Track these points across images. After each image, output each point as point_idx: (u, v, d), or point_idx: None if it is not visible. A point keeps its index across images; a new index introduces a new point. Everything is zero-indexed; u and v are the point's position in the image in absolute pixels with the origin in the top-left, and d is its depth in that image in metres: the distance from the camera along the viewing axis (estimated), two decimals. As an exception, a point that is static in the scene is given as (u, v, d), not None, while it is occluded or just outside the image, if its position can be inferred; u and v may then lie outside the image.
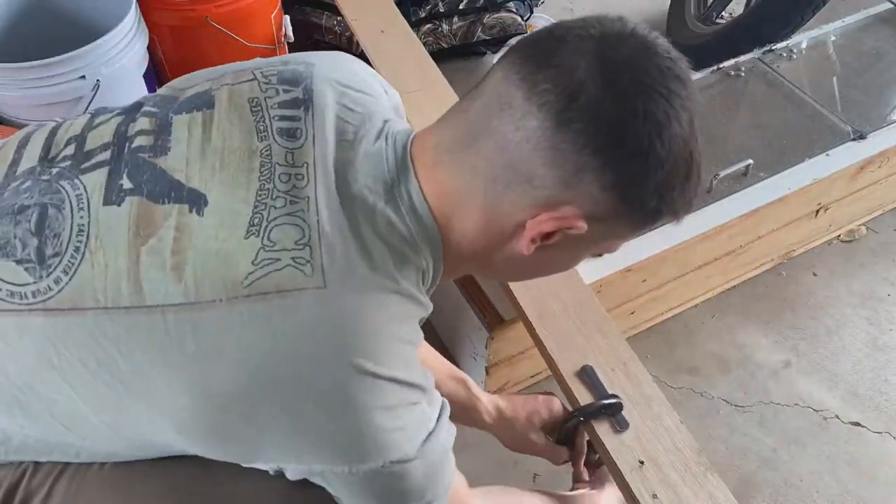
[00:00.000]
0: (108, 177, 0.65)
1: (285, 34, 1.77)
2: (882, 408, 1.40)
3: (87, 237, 0.62)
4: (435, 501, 0.68)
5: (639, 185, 0.62)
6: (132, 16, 1.46)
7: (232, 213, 0.62)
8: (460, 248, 0.68)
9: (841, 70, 1.68)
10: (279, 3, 1.75)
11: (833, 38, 1.77)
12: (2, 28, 1.54)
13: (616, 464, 0.92)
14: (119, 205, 0.63)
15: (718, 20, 2.11)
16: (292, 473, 0.65)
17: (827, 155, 1.45)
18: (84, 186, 0.65)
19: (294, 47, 1.88)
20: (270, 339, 0.59)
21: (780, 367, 1.46)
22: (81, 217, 0.63)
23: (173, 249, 0.61)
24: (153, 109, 0.70)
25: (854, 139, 1.48)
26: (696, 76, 1.63)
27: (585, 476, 1.02)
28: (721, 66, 1.64)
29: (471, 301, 1.23)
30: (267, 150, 0.65)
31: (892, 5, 1.85)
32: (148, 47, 1.54)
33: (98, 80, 1.39)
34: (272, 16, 1.72)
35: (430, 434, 0.65)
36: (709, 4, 2.14)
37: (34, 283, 0.62)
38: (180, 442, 0.65)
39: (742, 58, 1.67)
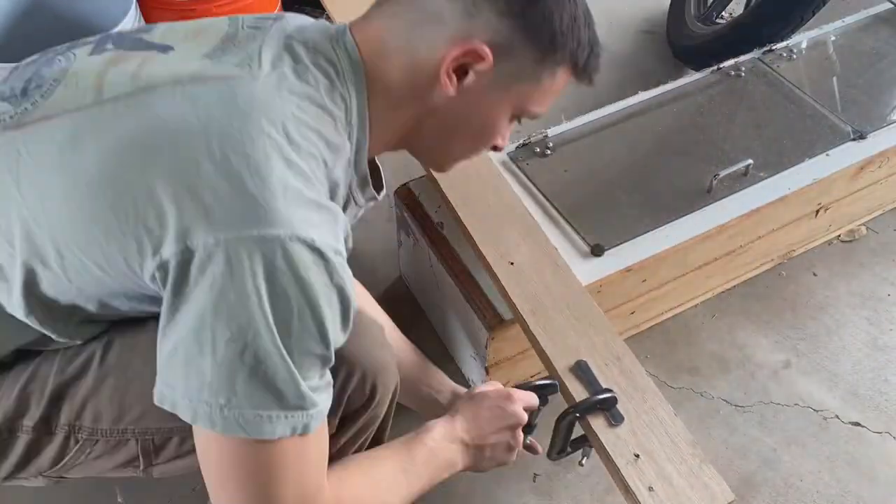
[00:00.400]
0: (94, 45, 0.77)
1: (285, 34, 1.77)
2: (882, 408, 1.40)
3: (67, 73, 0.73)
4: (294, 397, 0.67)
5: (530, 7, 0.74)
6: (132, 16, 1.46)
7: (190, 52, 0.74)
8: (388, 92, 0.76)
9: (841, 70, 1.68)
10: (279, 3, 1.75)
11: (833, 38, 1.77)
12: (2, 28, 1.54)
13: (612, 457, 0.92)
14: (100, 55, 0.75)
15: (718, 20, 2.11)
16: (168, 262, 0.64)
17: (827, 155, 1.45)
18: (75, 54, 0.76)
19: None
20: (208, 99, 0.67)
21: (780, 367, 1.46)
22: (68, 63, 0.74)
23: (137, 66, 0.71)
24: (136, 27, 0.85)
25: (854, 139, 1.48)
26: (696, 76, 1.63)
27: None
28: (721, 66, 1.64)
29: (471, 301, 1.23)
30: (233, 32, 0.77)
31: (892, 5, 1.85)
32: (148, 47, 1.54)
33: (98, 80, 1.39)
34: (272, 16, 1.72)
35: (338, 266, 0.67)
36: (709, 4, 2.14)
37: (13, 108, 0.71)
38: (83, 238, 0.67)
39: (742, 58, 1.67)
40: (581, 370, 1.01)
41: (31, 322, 0.73)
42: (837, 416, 1.39)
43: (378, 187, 0.85)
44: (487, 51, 0.73)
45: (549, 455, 1.03)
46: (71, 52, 0.77)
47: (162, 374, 0.67)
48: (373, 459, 0.87)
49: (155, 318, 0.69)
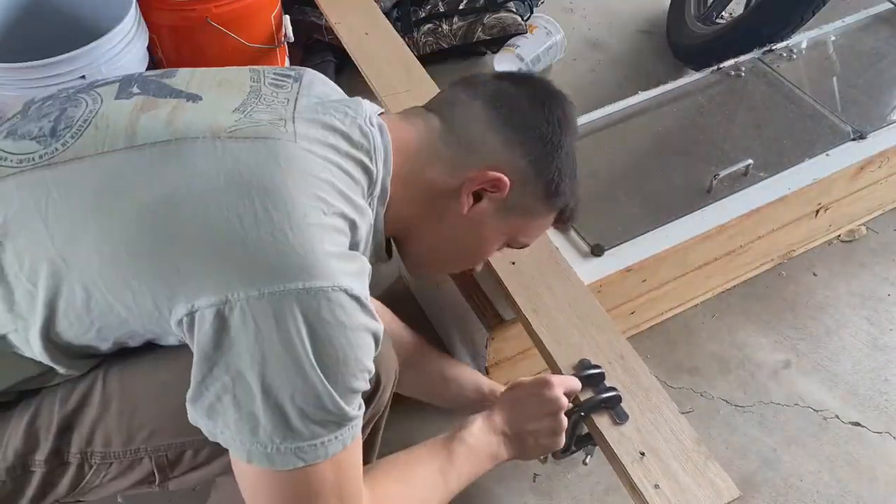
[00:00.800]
0: (119, 86, 0.79)
1: (285, 34, 1.77)
2: (882, 408, 1.40)
3: (97, 115, 0.74)
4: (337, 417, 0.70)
5: (546, 160, 0.86)
6: (132, 16, 1.46)
7: (222, 103, 0.76)
8: (408, 185, 0.83)
9: (841, 70, 1.68)
10: (279, 3, 1.75)
11: (833, 38, 1.77)
12: (2, 28, 1.54)
13: (617, 456, 0.93)
14: (128, 99, 0.76)
15: (718, 20, 2.11)
16: (202, 312, 0.66)
17: (827, 155, 1.45)
18: (100, 95, 0.78)
19: (294, 47, 1.88)
20: (249, 157, 0.69)
21: (780, 367, 1.46)
22: (95, 106, 0.75)
23: (169, 114, 0.73)
24: (157, 71, 0.86)
25: (854, 139, 1.48)
26: (696, 76, 1.63)
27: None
28: (721, 66, 1.64)
29: (471, 301, 1.23)
30: (257, 88, 0.80)
31: (892, 5, 1.85)
32: (148, 47, 1.55)
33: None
34: (272, 16, 1.73)
35: (371, 310, 0.72)
36: (709, 4, 2.14)
37: (44, 148, 0.72)
38: (114, 280, 0.68)
39: (742, 58, 1.67)
40: (584, 369, 1.01)
41: (43, 358, 0.73)
42: (837, 416, 1.39)
43: (388, 252, 0.92)
44: (507, 181, 0.84)
45: (553, 454, 1.04)
46: (95, 93, 0.78)
47: (205, 419, 0.69)
48: (409, 461, 0.89)
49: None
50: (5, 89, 1.36)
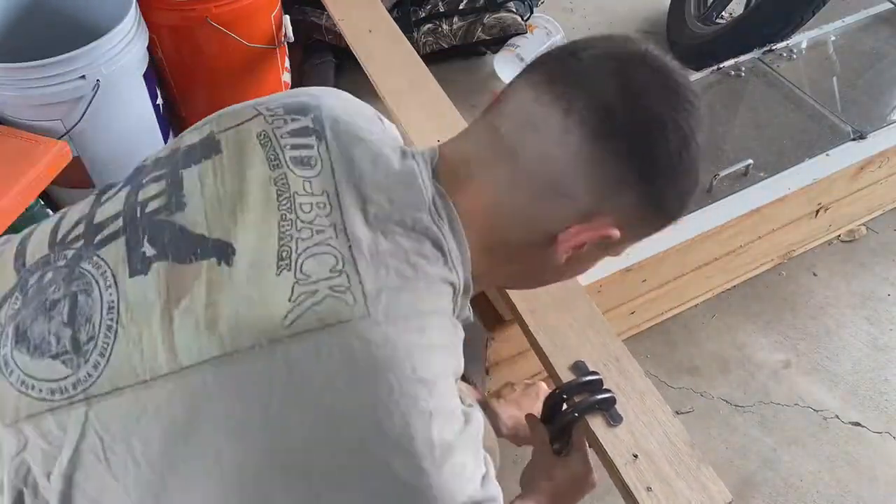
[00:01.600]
0: (126, 247, 0.63)
1: (285, 34, 1.77)
2: (882, 408, 1.40)
3: (118, 313, 0.60)
4: None
5: (668, 194, 0.67)
6: (132, 16, 1.46)
7: (260, 252, 0.59)
8: (496, 265, 0.70)
9: (841, 70, 1.68)
10: (279, 3, 1.75)
11: (833, 38, 1.77)
12: (2, 28, 1.54)
13: (610, 457, 0.93)
14: (146, 273, 0.61)
15: (718, 20, 2.11)
16: None
17: (827, 155, 1.45)
18: (106, 262, 0.63)
19: (294, 47, 1.88)
20: (322, 376, 0.56)
21: (780, 367, 1.46)
22: (110, 294, 0.61)
23: (206, 304, 0.58)
24: (159, 172, 0.68)
25: (854, 139, 1.48)
26: (696, 76, 1.63)
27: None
28: (721, 66, 1.64)
29: (471, 301, 1.23)
30: (282, 179, 0.63)
31: (892, 5, 1.85)
32: (148, 47, 1.54)
33: (98, 80, 1.39)
34: (272, 16, 1.72)
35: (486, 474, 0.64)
36: (709, 4, 2.14)
37: (73, 374, 0.59)
38: None
39: (742, 58, 1.67)
40: (579, 370, 1.01)
41: None
42: (837, 416, 1.39)
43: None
44: (617, 233, 0.66)
45: None
46: (100, 260, 0.63)
47: None
48: None
49: None
50: (5, 89, 1.36)
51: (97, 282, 0.62)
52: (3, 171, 1.30)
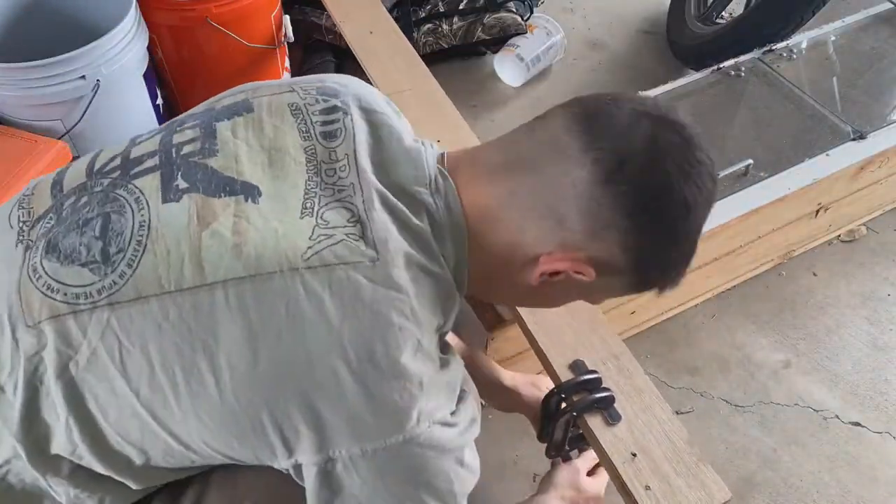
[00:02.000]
0: (161, 179, 0.69)
1: (285, 34, 1.77)
2: (882, 408, 1.40)
3: (149, 229, 0.66)
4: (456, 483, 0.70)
5: (653, 255, 0.70)
6: (132, 16, 1.46)
7: (285, 200, 0.67)
8: (481, 260, 0.73)
9: (841, 70, 1.68)
10: (279, 3, 1.75)
11: (833, 38, 1.77)
12: (2, 28, 1.54)
13: (609, 456, 0.93)
14: (178, 201, 0.67)
15: (718, 20, 2.10)
16: (310, 468, 0.66)
17: (827, 155, 1.45)
18: (140, 190, 0.68)
19: (294, 47, 1.88)
20: (337, 305, 0.63)
21: (780, 367, 1.46)
22: (142, 216, 0.67)
23: (234, 230, 0.65)
24: (194, 122, 0.74)
25: (854, 139, 1.48)
26: (696, 76, 1.63)
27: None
28: (721, 66, 1.64)
29: (471, 301, 1.23)
30: (312, 150, 0.71)
31: (892, 5, 1.85)
32: (148, 47, 1.55)
33: (98, 80, 1.39)
34: (272, 16, 1.72)
35: (454, 420, 0.69)
36: (709, 4, 2.14)
37: (99, 280, 0.64)
38: (213, 440, 0.66)
39: (742, 58, 1.67)
40: (578, 369, 1.01)
41: (143, 485, 0.72)
42: (837, 416, 1.39)
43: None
44: (593, 272, 0.70)
45: (546, 454, 1.04)
46: (134, 187, 0.69)
47: None
48: None
49: None
50: (5, 89, 1.36)
51: (130, 205, 0.68)
52: (3, 171, 1.30)
